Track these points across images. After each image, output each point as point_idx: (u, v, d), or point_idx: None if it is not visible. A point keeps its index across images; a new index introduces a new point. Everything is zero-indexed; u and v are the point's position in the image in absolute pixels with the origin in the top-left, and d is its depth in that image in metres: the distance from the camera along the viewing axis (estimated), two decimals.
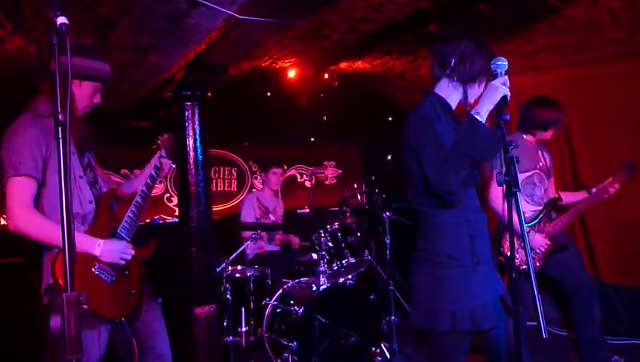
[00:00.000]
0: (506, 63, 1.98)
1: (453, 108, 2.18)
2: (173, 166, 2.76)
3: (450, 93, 2.16)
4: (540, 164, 3.45)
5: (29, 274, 4.30)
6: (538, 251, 3.25)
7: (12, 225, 2.06)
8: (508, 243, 3.06)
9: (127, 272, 2.31)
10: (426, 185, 1.98)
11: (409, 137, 2.09)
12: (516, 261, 3.17)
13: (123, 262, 2.27)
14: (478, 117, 1.93)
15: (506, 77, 1.97)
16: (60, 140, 1.30)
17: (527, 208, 3.33)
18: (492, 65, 2.00)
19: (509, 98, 1.95)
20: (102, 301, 2.16)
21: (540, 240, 3.25)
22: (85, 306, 1.85)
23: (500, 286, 2.16)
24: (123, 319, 2.25)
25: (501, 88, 1.94)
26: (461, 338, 2.03)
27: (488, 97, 1.95)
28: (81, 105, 2.28)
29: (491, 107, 1.95)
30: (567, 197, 3.51)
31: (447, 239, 2.06)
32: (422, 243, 2.12)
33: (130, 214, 2.39)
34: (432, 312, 2.03)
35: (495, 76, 1.98)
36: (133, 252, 2.32)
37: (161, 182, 6.24)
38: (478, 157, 1.96)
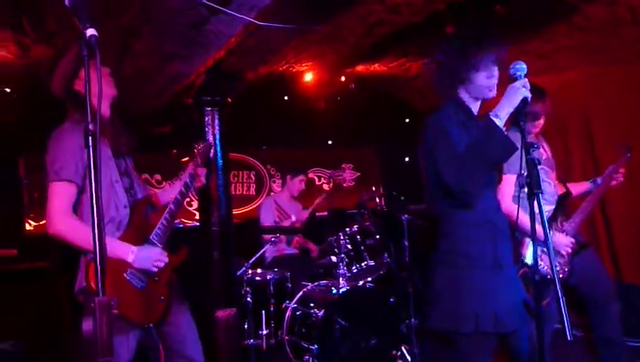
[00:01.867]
0: (525, 66, 1.96)
1: (475, 111, 2.18)
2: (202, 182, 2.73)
3: (466, 98, 2.16)
4: (544, 157, 3.21)
5: (56, 280, 4.38)
6: (564, 253, 2.99)
7: (51, 229, 2.11)
8: (527, 249, 2.89)
9: (157, 278, 2.32)
10: (444, 186, 1.97)
11: (426, 140, 2.09)
12: (542, 268, 3.01)
13: (156, 269, 2.28)
14: (497, 120, 1.93)
15: (526, 80, 1.95)
16: (91, 149, 1.34)
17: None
18: (511, 70, 1.98)
19: (529, 100, 1.93)
20: (132, 306, 2.18)
21: (563, 240, 2.99)
22: (115, 311, 1.92)
23: (521, 289, 2.15)
24: (151, 325, 2.26)
25: (521, 90, 1.92)
26: (485, 340, 2.01)
27: (507, 99, 1.94)
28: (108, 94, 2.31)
29: (511, 109, 1.94)
30: (574, 189, 3.30)
31: (467, 240, 2.04)
32: (442, 244, 2.10)
33: (163, 221, 2.40)
34: (453, 314, 2.01)
35: (515, 79, 1.96)
36: (166, 259, 2.33)
37: None
38: (493, 161, 1.98)
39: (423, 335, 4.18)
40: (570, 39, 4.17)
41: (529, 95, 1.93)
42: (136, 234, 2.31)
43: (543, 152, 3.27)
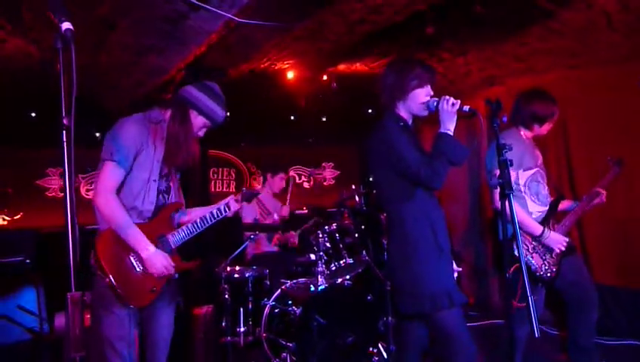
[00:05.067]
0: (434, 100, 2.44)
1: (409, 123, 2.57)
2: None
3: (403, 113, 2.55)
4: (539, 161, 3.27)
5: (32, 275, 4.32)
6: (557, 250, 3.06)
7: (94, 200, 2.35)
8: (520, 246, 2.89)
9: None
10: (417, 182, 2.39)
11: (380, 144, 2.46)
12: (532, 266, 3.06)
13: (158, 275, 2.40)
14: (449, 132, 2.37)
15: (443, 98, 2.38)
16: (65, 143, 1.34)
17: (535, 208, 3.17)
18: (424, 105, 2.46)
19: (461, 105, 2.36)
20: (124, 284, 2.29)
21: (557, 238, 3.04)
22: (119, 290, 2.17)
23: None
24: (132, 306, 2.36)
25: (449, 107, 2.35)
26: (457, 310, 2.37)
27: (444, 119, 2.39)
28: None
29: (453, 122, 2.39)
30: (560, 206, 3.33)
31: (413, 233, 2.42)
32: (394, 240, 2.51)
33: (185, 228, 2.55)
34: (421, 296, 2.37)
35: (432, 111, 2.45)
36: (172, 270, 2.45)
37: None
38: (455, 162, 2.39)
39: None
40: (546, 43, 4.24)
41: (457, 102, 2.36)
42: (155, 229, 2.46)
43: (539, 156, 3.31)
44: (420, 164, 2.35)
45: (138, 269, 2.37)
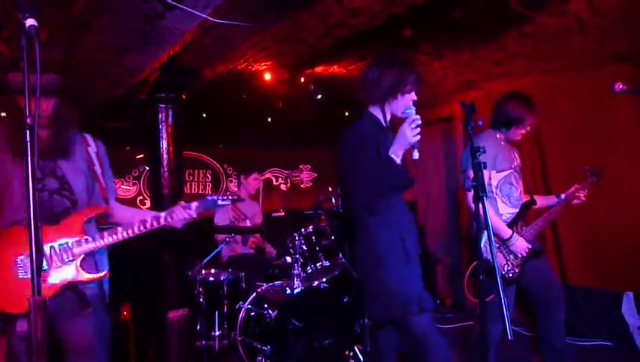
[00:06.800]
0: (413, 110, 2.36)
1: (385, 124, 2.54)
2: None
3: (377, 112, 2.54)
4: (515, 163, 3.32)
5: None
6: (519, 256, 3.13)
7: None
8: (486, 246, 2.93)
9: (44, 280, 2.15)
10: (357, 198, 2.44)
11: (347, 149, 2.44)
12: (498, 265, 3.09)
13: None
14: (394, 156, 2.31)
15: (415, 117, 2.31)
16: (28, 143, 1.31)
17: (505, 210, 3.21)
18: (402, 113, 2.39)
19: (412, 147, 2.30)
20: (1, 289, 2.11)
21: (522, 244, 3.12)
22: None
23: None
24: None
25: (408, 132, 2.28)
26: (428, 316, 2.36)
27: (398, 142, 2.32)
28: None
29: (405, 148, 2.32)
30: (539, 201, 3.40)
31: (381, 240, 2.40)
32: (362, 246, 2.49)
33: (98, 238, 2.28)
34: (389, 303, 2.38)
35: (404, 120, 2.34)
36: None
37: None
38: (394, 187, 2.42)
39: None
40: (521, 47, 4.30)
41: (417, 136, 2.28)
42: (57, 234, 2.22)
43: (515, 159, 3.35)
44: (364, 190, 2.38)
45: (22, 274, 2.12)
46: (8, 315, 2.09)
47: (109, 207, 2.47)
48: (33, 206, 1.32)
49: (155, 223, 2.34)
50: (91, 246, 2.25)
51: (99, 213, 2.37)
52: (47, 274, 2.17)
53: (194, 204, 2.41)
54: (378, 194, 2.38)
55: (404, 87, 2.46)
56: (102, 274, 2.31)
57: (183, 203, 2.41)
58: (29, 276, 2.04)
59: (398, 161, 2.34)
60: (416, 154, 2.28)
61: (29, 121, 1.31)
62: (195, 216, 2.42)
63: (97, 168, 2.40)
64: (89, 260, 2.29)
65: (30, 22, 1.37)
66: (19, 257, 2.15)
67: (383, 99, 2.50)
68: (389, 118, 2.55)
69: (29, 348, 1.32)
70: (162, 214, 2.35)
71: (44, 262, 2.16)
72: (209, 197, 2.46)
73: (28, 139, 1.31)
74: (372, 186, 2.36)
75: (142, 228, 2.31)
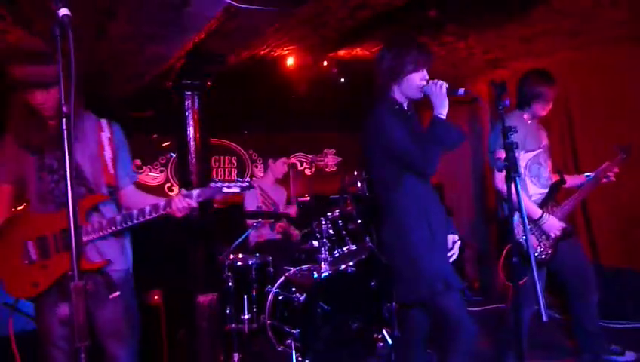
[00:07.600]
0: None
1: (405, 107, 2.54)
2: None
3: (399, 96, 2.53)
4: (543, 143, 3.29)
5: None
6: (552, 236, 3.08)
7: None
8: (518, 227, 2.88)
9: (46, 265, 2.22)
10: (411, 168, 2.37)
11: (374, 131, 2.43)
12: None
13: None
14: (442, 117, 2.33)
15: (434, 82, 2.36)
16: (65, 131, 1.33)
17: (534, 190, 3.18)
18: (421, 92, 2.42)
19: (455, 89, 2.33)
20: (7, 272, 2.18)
21: (555, 223, 3.07)
22: None
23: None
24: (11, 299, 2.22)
25: (441, 91, 2.31)
26: (456, 294, 2.36)
27: (435, 103, 2.35)
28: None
29: (445, 105, 2.34)
30: (568, 181, 3.36)
31: (408, 222, 2.40)
32: (389, 228, 2.48)
33: (97, 224, 2.27)
34: (417, 283, 2.35)
35: (426, 95, 2.39)
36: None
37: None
38: (451, 146, 2.38)
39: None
40: (549, 23, 4.19)
41: (445, 85, 2.34)
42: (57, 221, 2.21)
43: (543, 138, 3.31)
44: (411, 150, 2.33)
45: (26, 258, 2.18)
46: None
47: (123, 193, 2.45)
48: (72, 194, 1.34)
49: (153, 213, 2.29)
50: (92, 235, 2.25)
51: (97, 201, 2.33)
52: (50, 261, 2.20)
53: (195, 193, 2.35)
54: (429, 157, 2.32)
55: (405, 67, 2.44)
56: (102, 261, 2.28)
57: (184, 191, 2.36)
58: (35, 261, 2.18)
59: (444, 117, 2.35)
60: (461, 90, 2.31)
61: (64, 109, 1.34)
62: (195, 204, 2.35)
63: (107, 154, 2.35)
64: (91, 248, 2.28)
65: (63, 11, 1.39)
66: (27, 242, 2.19)
67: (389, 82, 2.51)
68: (405, 101, 2.55)
69: (71, 331, 1.36)
70: (161, 203, 2.30)
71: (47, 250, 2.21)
72: (212, 185, 2.39)
73: (64, 127, 1.33)
74: (430, 151, 2.31)
75: (140, 217, 2.27)
